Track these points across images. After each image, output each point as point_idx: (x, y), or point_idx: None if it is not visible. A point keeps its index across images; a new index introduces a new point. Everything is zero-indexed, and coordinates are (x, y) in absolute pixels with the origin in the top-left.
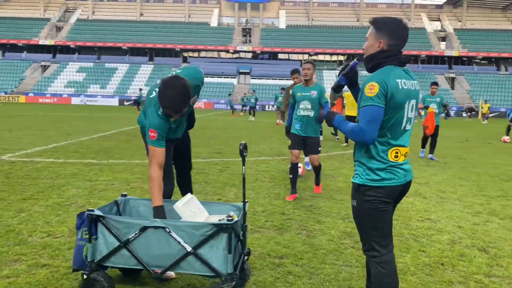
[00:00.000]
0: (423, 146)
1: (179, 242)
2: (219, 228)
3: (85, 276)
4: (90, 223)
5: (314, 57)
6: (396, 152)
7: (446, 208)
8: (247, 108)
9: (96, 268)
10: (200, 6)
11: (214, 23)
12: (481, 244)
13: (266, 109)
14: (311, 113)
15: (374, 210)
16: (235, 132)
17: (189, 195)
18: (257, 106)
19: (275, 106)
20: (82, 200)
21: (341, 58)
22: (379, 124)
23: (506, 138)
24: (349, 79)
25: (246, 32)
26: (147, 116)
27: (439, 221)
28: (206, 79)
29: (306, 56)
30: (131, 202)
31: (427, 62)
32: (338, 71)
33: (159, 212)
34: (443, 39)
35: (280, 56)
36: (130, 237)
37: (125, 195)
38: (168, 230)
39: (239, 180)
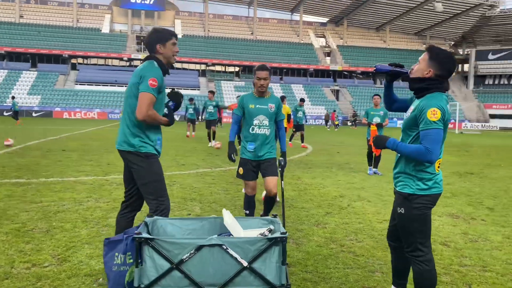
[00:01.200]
0: (370, 163)
1: (236, 258)
2: (272, 242)
3: None
4: (137, 246)
5: (212, 68)
6: (439, 164)
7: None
8: None
9: None
10: (90, 11)
11: (106, 29)
12: (440, 240)
13: None
14: (268, 131)
15: (421, 216)
16: None
17: (224, 210)
18: None
19: (186, 117)
20: (43, 224)
21: (237, 69)
22: (441, 144)
23: None
24: (391, 76)
25: (141, 40)
26: (143, 76)
27: None
28: (98, 88)
29: (203, 66)
30: (158, 222)
31: (315, 76)
32: (390, 64)
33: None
34: (328, 54)
35: (176, 65)
36: (184, 257)
37: (151, 216)
38: (225, 247)
39: (195, 193)
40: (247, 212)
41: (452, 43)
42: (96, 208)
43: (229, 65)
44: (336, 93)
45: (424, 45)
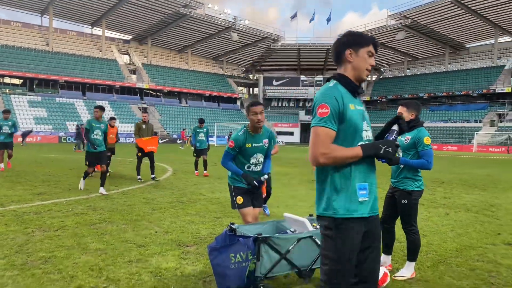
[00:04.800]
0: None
1: (319, 245)
2: None
3: None
4: (258, 245)
5: None
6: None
7: None
8: None
9: (260, 281)
10: None
11: None
12: None
13: None
14: (261, 166)
15: (416, 204)
16: (12, 173)
17: (286, 214)
18: None
19: None
20: (30, 257)
21: (33, 81)
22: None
23: None
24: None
25: None
26: (313, 105)
27: None
28: None
29: None
30: (240, 228)
31: (121, 93)
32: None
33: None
34: (134, 72)
35: None
36: (290, 248)
37: (233, 224)
38: (313, 237)
39: (119, 215)
40: None
41: (244, 69)
42: (60, 237)
43: (20, 78)
44: (144, 110)
45: (222, 69)
